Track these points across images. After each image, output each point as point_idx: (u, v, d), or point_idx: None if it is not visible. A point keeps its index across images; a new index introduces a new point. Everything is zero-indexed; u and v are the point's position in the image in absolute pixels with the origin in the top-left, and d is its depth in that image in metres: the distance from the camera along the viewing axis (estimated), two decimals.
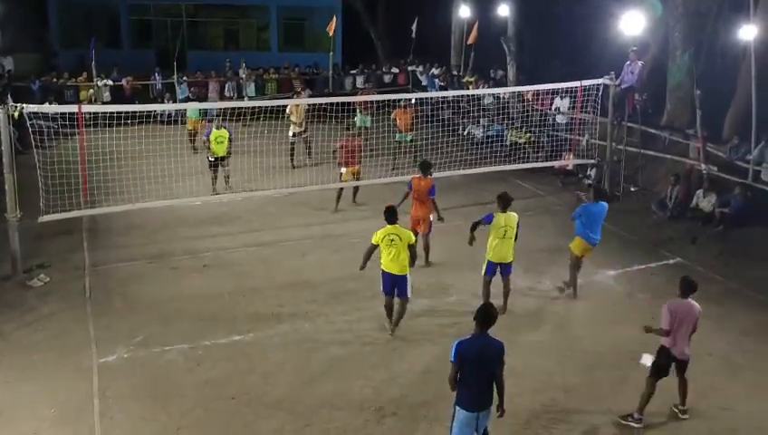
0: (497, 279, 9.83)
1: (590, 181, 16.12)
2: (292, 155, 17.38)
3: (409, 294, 9.17)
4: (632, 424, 7.48)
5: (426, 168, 11.67)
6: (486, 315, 6.30)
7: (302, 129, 17.45)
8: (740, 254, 12.09)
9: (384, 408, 7.68)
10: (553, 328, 9.38)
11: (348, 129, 15.07)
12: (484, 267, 9.71)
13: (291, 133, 17.47)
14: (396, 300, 9.23)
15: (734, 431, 7.49)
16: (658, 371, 7.49)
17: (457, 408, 6.33)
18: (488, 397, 6.33)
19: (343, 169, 14.16)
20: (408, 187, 11.68)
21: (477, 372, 6.20)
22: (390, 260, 9.00)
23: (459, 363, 6.17)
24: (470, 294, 10.34)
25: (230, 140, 15.39)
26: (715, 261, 12.01)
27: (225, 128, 15.44)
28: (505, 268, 9.74)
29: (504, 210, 9.55)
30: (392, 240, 8.96)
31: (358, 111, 18.46)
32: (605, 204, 10.49)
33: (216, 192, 15.18)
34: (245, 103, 19.21)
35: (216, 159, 15.30)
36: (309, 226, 13.50)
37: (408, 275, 9.08)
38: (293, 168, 17.05)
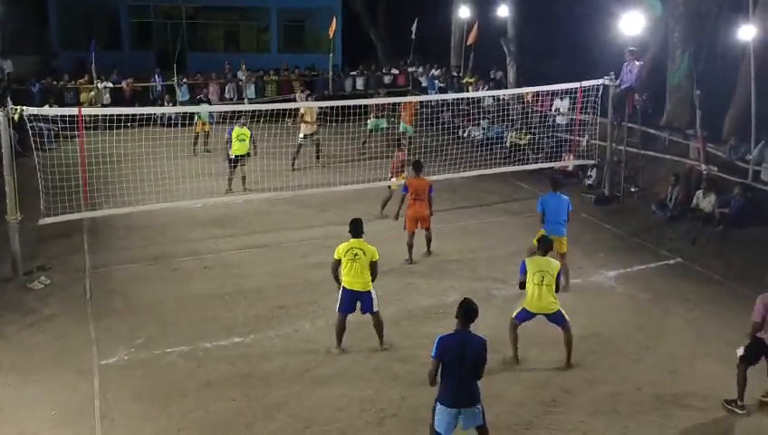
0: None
1: (590, 183, 16.16)
2: (295, 157, 17.19)
3: (376, 308, 8.75)
4: (736, 410, 7.65)
5: (420, 167, 11.77)
6: (468, 311, 6.33)
7: (314, 130, 17.35)
8: (740, 254, 12.07)
9: (384, 409, 7.67)
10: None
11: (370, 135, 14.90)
12: (516, 310, 8.66)
13: (302, 135, 17.35)
14: (368, 317, 8.83)
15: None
16: (750, 359, 7.69)
17: (437, 403, 6.31)
18: (471, 394, 6.27)
19: (393, 179, 13.97)
20: (403, 190, 11.64)
21: (459, 367, 6.18)
22: (352, 276, 8.58)
23: (439, 359, 6.22)
24: (470, 294, 10.30)
25: (252, 139, 15.38)
26: (715, 261, 12.00)
27: (247, 126, 15.40)
28: (552, 319, 8.52)
29: (543, 254, 8.53)
30: (355, 255, 8.54)
31: (372, 115, 18.48)
32: (565, 197, 10.61)
33: (232, 191, 15.14)
34: (246, 106, 19.19)
35: (237, 157, 15.27)
36: (310, 227, 13.51)
37: (371, 291, 8.68)
38: (293, 170, 16.96)
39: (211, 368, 8.50)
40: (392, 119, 18.88)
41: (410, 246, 11.65)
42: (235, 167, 15.34)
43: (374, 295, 8.72)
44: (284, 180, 15.29)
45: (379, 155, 17.31)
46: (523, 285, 8.49)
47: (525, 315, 8.51)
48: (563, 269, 10.13)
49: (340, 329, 8.80)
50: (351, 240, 8.72)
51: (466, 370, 6.21)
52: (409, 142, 17.25)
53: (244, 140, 15.22)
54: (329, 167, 16.65)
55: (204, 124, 18.61)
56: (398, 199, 12.76)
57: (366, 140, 18.33)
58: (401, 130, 18.17)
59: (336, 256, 8.71)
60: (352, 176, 15.12)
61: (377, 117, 18.61)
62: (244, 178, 15.35)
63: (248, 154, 15.41)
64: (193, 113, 18.52)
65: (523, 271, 8.43)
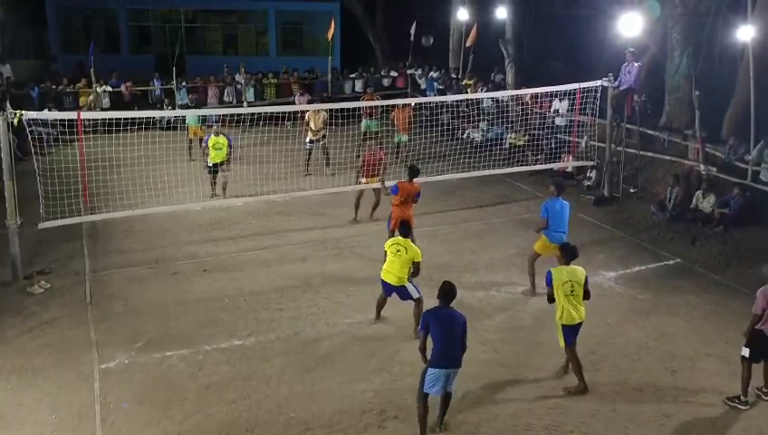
0: None
1: (590, 185, 16.16)
2: (308, 162, 17.02)
3: (416, 295, 9.15)
4: (739, 406, 7.73)
5: (415, 173, 11.79)
6: (448, 292, 7.18)
7: (318, 136, 17.17)
8: (740, 254, 12.09)
9: (385, 411, 7.67)
10: (554, 330, 9.37)
11: (370, 139, 14.82)
12: (560, 338, 8.11)
13: (308, 139, 17.25)
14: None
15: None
16: (755, 357, 7.79)
17: (429, 369, 7.01)
18: (456, 356, 7.03)
19: (363, 179, 13.85)
20: (392, 192, 11.58)
21: (444, 332, 6.99)
22: (389, 270, 9.09)
23: (426, 330, 7.08)
24: (470, 296, 10.36)
25: (230, 146, 15.29)
26: (714, 261, 12.01)
27: (224, 135, 15.33)
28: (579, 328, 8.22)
29: (567, 263, 8.18)
30: (398, 250, 9.04)
31: (363, 116, 18.46)
32: (565, 202, 10.46)
33: (216, 195, 15.14)
34: (245, 110, 19.19)
35: (215, 164, 15.24)
36: (309, 230, 13.51)
37: (405, 286, 9.11)
38: (308, 174, 16.59)
39: (211, 371, 8.50)
40: (384, 121, 18.82)
41: None
42: (215, 174, 15.25)
43: (410, 288, 9.16)
44: (283, 183, 15.28)
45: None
46: (551, 298, 8.08)
47: (571, 333, 8.03)
48: None
49: (381, 303, 9.61)
50: (398, 237, 9.31)
51: (451, 335, 6.99)
52: (405, 149, 17.24)
53: (220, 149, 15.05)
54: (328, 169, 16.63)
55: (196, 129, 18.49)
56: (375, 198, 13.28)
57: (361, 143, 18.30)
58: (396, 140, 18.06)
59: (385, 248, 9.32)
60: (352, 178, 15.10)
61: (370, 118, 18.59)
62: (224, 184, 15.14)
63: (227, 161, 15.28)
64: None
65: (550, 282, 8.04)
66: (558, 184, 10.78)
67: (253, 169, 15.54)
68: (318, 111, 17.19)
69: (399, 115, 17.97)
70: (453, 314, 7.11)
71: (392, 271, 9.07)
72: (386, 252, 9.22)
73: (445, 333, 6.98)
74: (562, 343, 8.09)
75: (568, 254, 8.22)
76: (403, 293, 9.18)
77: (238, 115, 17.55)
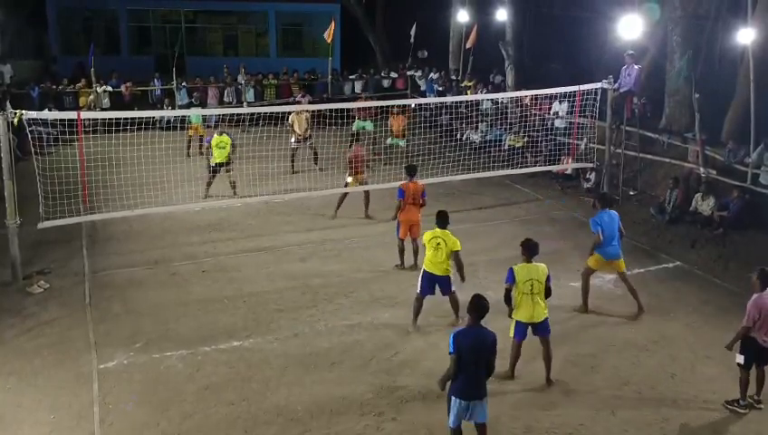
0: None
1: (589, 187, 16.17)
2: (293, 161, 17.25)
3: (453, 288, 9.43)
4: (739, 410, 7.75)
5: (413, 171, 11.85)
6: (479, 307, 6.56)
7: (304, 137, 17.35)
8: (739, 257, 12.09)
9: (384, 413, 7.67)
10: (553, 332, 9.36)
11: (355, 139, 14.92)
12: (511, 329, 8.21)
13: (293, 139, 17.39)
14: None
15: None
16: (750, 363, 7.79)
17: (452, 398, 6.57)
18: (481, 388, 6.53)
19: (349, 178, 14.04)
20: (399, 195, 11.59)
21: (473, 361, 6.40)
22: (433, 262, 9.28)
23: (458, 353, 6.39)
24: (469, 297, 10.33)
25: (233, 145, 15.32)
26: (714, 264, 12.02)
27: (227, 134, 15.37)
28: (538, 328, 8.20)
29: (528, 260, 8.21)
30: (438, 244, 9.22)
31: (356, 117, 18.50)
32: (613, 212, 10.08)
33: (209, 196, 15.11)
34: (245, 109, 19.21)
35: (217, 164, 15.25)
36: (308, 231, 13.51)
37: (449, 276, 9.36)
38: (293, 172, 16.95)
39: (210, 372, 8.49)
40: (377, 123, 18.83)
41: (402, 251, 11.69)
42: (215, 174, 15.29)
43: (452, 280, 9.39)
44: (282, 184, 15.29)
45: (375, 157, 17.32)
46: (508, 294, 8.10)
47: (521, 329, 8.14)
48: (630, 289, 10.09)
49: (417, 308, 9.50)
50: (436, 229, 9.36)
51: (481, 363, 6.45)
52: (403, 151, 17.27)
53: (223, 148, 15.12)
54: (327, 170, 16.64)
55: (197, 128, 18.57)
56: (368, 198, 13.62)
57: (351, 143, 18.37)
58: (390, 143, 18.12)
59: (424, 241, 9.44)
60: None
61: (364, 119, 18.60)
62: (233, 183, 15.24)
63: (230, 161, 15.33)
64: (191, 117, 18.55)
65: (511, 279, 8.06)
66: (602, 197, 10.47)
67: (252, 169, 15.53)
68: (300, 112, 17.35)
69: (395, 121, 18.07)
70: (483, 333, 6.52)
71: (438, 262, 9.24)
72: (424, 246, 9.42)
73: (470, 357, 6.40)
74: (511, 334, 8.17)
75: (529, 250, 8.23)
76: (445, 284, 9.38)
77: (238, 115, 17.57)
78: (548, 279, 8.15)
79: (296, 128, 17.21)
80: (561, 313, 10.18)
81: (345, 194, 14.10)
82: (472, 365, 6.41)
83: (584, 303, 10.22)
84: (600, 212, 10.03)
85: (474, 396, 6.50)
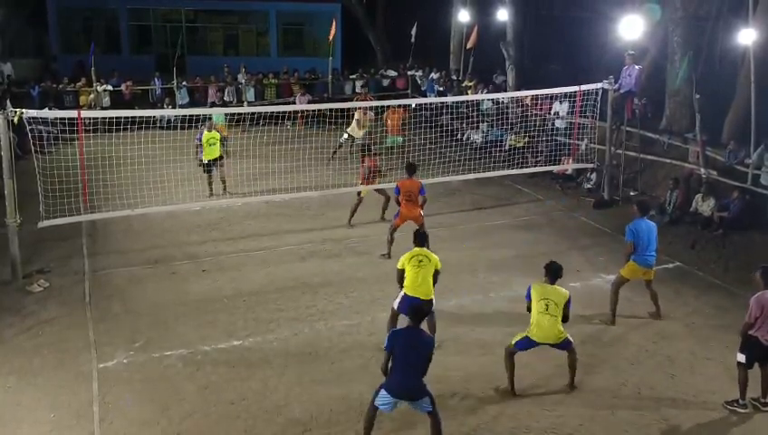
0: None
1: (589, 187, 16.16)
2: (335, 152, 17.52)
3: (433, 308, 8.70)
4: (738, 410, 7.75)
5: (412, 169, 11.87)
6: (417, 311, 7.02)
7: (363, 134, 17.50)
8: (739, 258, 12.09)
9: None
10: None
11: (367, 151, 14.82)
12: (516, 337, 8.00)
13: (345, 136, 17.68)
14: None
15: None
16: (751, 361, 7.79)
17: (382, 389, 6.72)
18: (415, 389, 6.68)
19: (362, 188, 13.76)
20: (395, 192, 11.68)
21: (403, 360, 6.61)
22: (418, 284, 8.48)
23: (391, 350, 6.66)
24: (468, 298, 10.37)
25: (223, 140, 15.26)
26: (714, 265, 12.02)
27: (216, 129, 15.33)
28: (557, 347, 7.98)
29: (550, 282, 7.97)
30: (420, 261, 8.54)
31: (388, 132, 18.59)
32: (651, 222, 9.74)
33: (213, 194, 15.12)
34: (246, 109, 19.19)
35: (210, 162, 15.22)
36: (309, 230, 13.51)
37: (433, 299, 8.61)
38: (329, 163, 17.11)
39: (210, 371, 8.49)
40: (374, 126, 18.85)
41: (390, 241, 11.78)
42: (210, 171, 15.26)
43: (434, 302, 8.65)
44: (282, 183, 15.28)
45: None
46: (530, 309, 7.97)
47: (527, 344, 7.89)
48: (652, 295, 9.86)
49: (391, 326, 8.63)
50: (415, 249, 8.77)
51: (415, 364, 6.63)
52: (403, 150, 17.25)
53: (214, 144, 15.05)
54: (326, 169, 16.63)
55: (221, 127, 18.42)
56: (385, 204, 13.19)
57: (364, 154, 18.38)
58: (388, 143, 18.10)
59: (400, 266, 8.67)
60: (351, 178, 15.11)
61: (396, 134, 18.61)
62: (224, 181, 15.22)
63: (221, 157, 15.28)
64: (191, 116, 18.44)
65: (528, 297, 7.95)
66: (641, 204, 10.05)
67: (252, 169, 15.54)
68: (366, 111, 17.64)
69: (392, 117, 18.04)
70: (420, 336, 6.74)
71: (422, 284, 8.49)
72: (403, 270, 8.60)
73: (403, 356, 6.57)
74: (512, 343, 7.96)
75: (550, 273, 7.99)
76: (429, 307, 8.45)
77: (238, 115, 17.56)
78: (567, 305, 7.82)
79: (358, 126, 17.27)
80: None
81: (359, 203, 13.81)
82: (405, 364, 6.61)
83: (612, 314, 9.82)
84: (638, 220, 9.63)
85: (402, 396, 6.69)
